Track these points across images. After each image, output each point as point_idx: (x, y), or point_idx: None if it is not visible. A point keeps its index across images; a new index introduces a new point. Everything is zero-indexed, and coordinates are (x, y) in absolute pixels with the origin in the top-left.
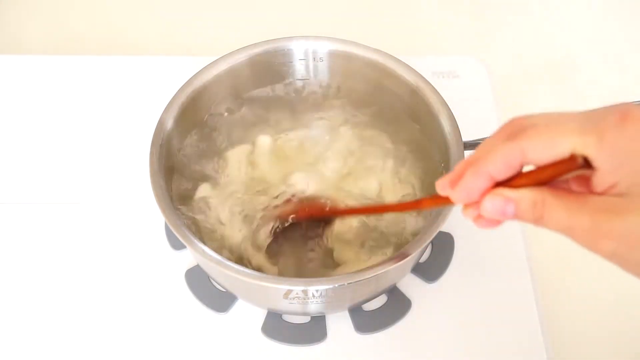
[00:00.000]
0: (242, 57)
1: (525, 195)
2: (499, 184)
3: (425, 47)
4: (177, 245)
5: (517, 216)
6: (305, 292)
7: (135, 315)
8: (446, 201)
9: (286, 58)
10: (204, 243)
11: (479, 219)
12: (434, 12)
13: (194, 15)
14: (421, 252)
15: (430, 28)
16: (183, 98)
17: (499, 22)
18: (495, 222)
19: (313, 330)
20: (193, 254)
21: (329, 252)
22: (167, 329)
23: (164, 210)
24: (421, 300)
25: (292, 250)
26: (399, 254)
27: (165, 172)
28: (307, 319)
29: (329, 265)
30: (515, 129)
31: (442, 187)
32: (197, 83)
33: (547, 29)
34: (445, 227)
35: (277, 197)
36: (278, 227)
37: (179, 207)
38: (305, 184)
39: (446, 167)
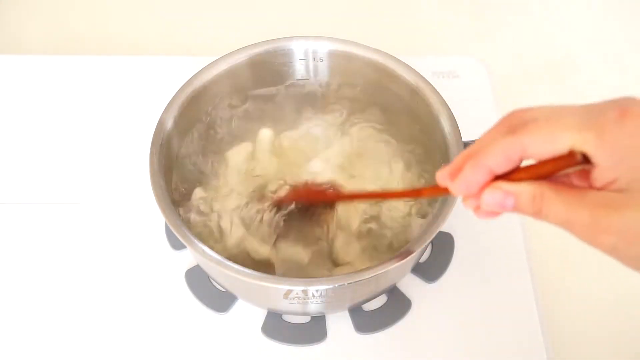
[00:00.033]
0: (242, 57)
1: (524, 189)
2: (498, 177)
3: (425, 47)
4: (177, 245)
5: (516, 209)
6: (305, 292)
7: (136, 316)
8: (446, 191)
9: (286, 58)
10: (204, 242)
11: (478, 209)
12: (434, 12)
13: (194, 15)
14: (421, 252)
15: (430, 28)
16: (183, 98)
17: (499, 22)
18: (495, 213)
19: (313, 330)
20: (193, 254)
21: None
22: (167, 329)
23: (164, 210)
24: (421, 300)
25: (297, 239)
26: (399, 254)
27: (165, 172)
28: (307, 319)
29: (331, 259)
30: (515, 123)
31: (441, 178)
32: (197, 83)
33: (547, 29)
34: (445, 227)
35: (277, 188)
36: (283, 213)
37: (179, 207)
38: (317, 170)
39: None
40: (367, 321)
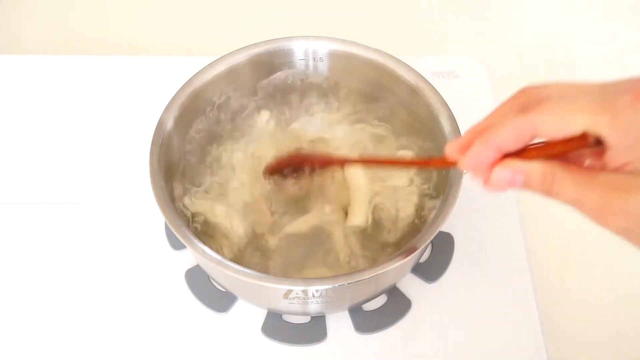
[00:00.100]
0: (242, 57)
1: (535, 168)
2: (508, 154)
3: (425, 47)
4: (177, 245)
5: (526, 187)
6: (305, 292)
7: (136, 316)
8: (454, 164)
9: (286, 58)
10: (211, 237)
11: (487, 182)
12: (434, 12)
13: (194, 15)
14: (421, 252)
15: (430, 28)
16: (183, 98)
17: (499, 22)
18: (504, 188)
19: (313, 330)
20: (193, 254)
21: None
22: (167, 329)
23: (164, 210)
24: (421, 300)
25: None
26: (399, 254)
27: (165, 172)
28: (307, 319)
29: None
30: (527, 100)
31: (451, 151)
32: (197, 83)
33: (547, 29)
34: (445, 227)
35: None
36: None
37: (183, 204)
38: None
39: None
40: (367, 321)
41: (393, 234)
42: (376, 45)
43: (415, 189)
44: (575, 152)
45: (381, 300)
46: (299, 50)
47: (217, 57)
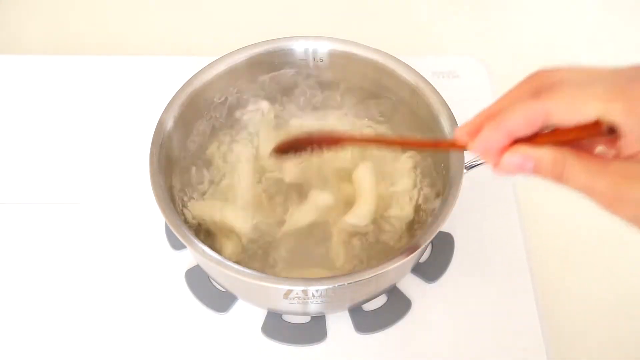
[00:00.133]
0: (242, 57)
1: (546, 154)
2: (519, 139)
3: (425, 47)
4: (177, 245)
5: (536, 173)
6: (305, 292)
7: (136, 316)
8: (463, 148)
9: (286, 58)
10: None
11: (497, 166)
12: (434, 12)
13: (194, 15)
14: (421, 252)
15: (430, 28)
16: (183, 98)
17: (499, 22)
18: (513, 173)
19: (313, 330)
20: (193, 254)
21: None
22: (167, 329)
23: (164, 210)
24: (421, 300)
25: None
26: (399, 254)
27: (166, 172)
28: (307, 319)
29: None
30: (540, 85)
31: (460, 135)
32: (197, 83)
33: (547, 29)
34: (445, 227)
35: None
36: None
37: (184, 205)
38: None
39: (446, 167)
40: (367, 321)
41: (392, 235)
42: (376, 45)
43: (415, 193)
44: (587, 139)
45: (381, 300)
46: (299, 50)
47: (217, 57)
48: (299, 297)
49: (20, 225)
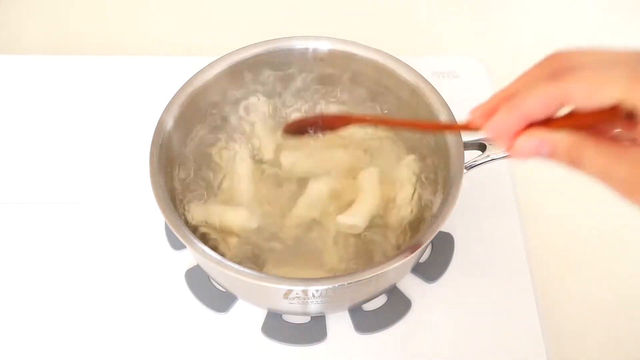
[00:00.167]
0: (242, 57)
1: (562, 138)
2: (534, 123)
3: (425, 47)
4: (177, 245)
5: (551, 157)
6: (305, 292)
7: (136, 316)
8: (477, 130)
9: (286, 58)
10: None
11: (510, 149)
12: (434, 12)
13: (194, 15)
14: (421, 252)
15: (430, 28)
16: (183, 98)
17: (499, 22)
18: (527, 157)
19: (313, 330)
20: (193, 254)
21: None
22: (167, 329)
23: (164, 210)
24: (421, 300)
25: None
26: (399, 254)
27: (166, 172)
28: (307, 319)
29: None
30: (559, 67)
31: (474, 117)
32: (197, 83)
33: (547, 29)
34: (445, 227)
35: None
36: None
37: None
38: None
39: (446, 167)
40: (367, 321)
41: (389, 237)
42: (376, 45)
43: (416, 195)
44: (604, 123)
45: (381, 300)
46: (299, 50)
47: (217, 57)
48: (299, 297)
49: (20, 225)
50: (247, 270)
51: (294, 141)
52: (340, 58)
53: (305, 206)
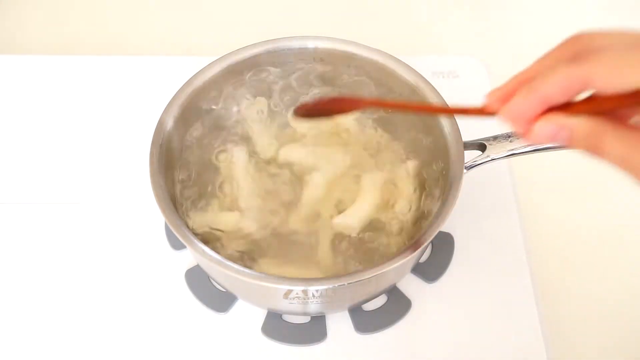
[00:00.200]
0: (242, 57)
1: (581, 124)
2: (552, 107)
3: (425, 47)
4: (177, 245)
5: (569, 143)
6: (305, 292)
7: (136, 316)
8: (494, 114)
9: (286, 58)
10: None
11: (527, 134)
12: (434, 12)
13: (194, 15)
14: (421, 252)
15: (430, 28)
16: (183, 98)
17: (499, 22)
18: (544, 142)
19: (313, 330)
20: (193, 254)
21: None
22: (167, 329)
23: (163, 210)
24: (421, 300)
25: None
26: (399, 254)
27: (166, 172)
28: (307, 319)
29: None
30: (580, 49)
31: (490, 101)
32: (197, 83)
33: (547, 29)
34: (445, 227)
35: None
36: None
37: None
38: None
39: (446, 167)
40: (367, 321)
41: (386, 241)
42: (376, 45)
43: (415, 198)
44: (624, 108)
45: (381, 300)
46: (299, 50)
47: (217, 57)
48: (299, 297)
49: (20, 225)
50: (247, 270)
51: (292, 139)
52: (340, 58)
53: (303, 206)
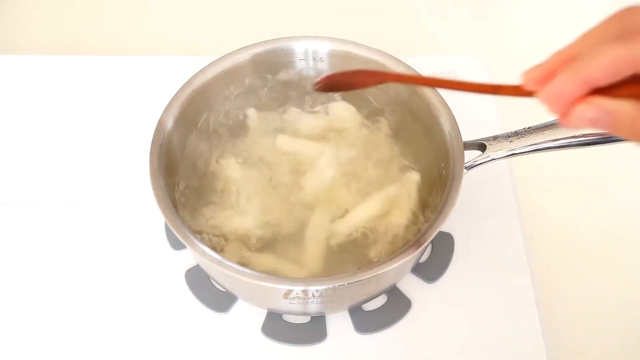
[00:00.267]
0: (242, 57)
1: (627, 109)
2: (595, 90)
3: (425, 47)
4: (177, 245)
5: (613, 129)
6: (305, 292)
7: (136, 316)
8: (529, 94)
9: (286, 58)
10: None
11: (565, 117)
12: (434, 12)
13: (194, 15)
14: (421, 252)
15: (430, 28)
16: (183, 98)
17: (499, 22)
18: (583, 127)
19: (313, 330)
20: (193, 254)
21: None
22: (167, 329)
23: (164, 210)
24: (421, 300)
25: None
26: (399, 254)
27: (166, 172)
28: (307, 319)
29: None
30: (628, 27)
31: (528, 80)
32: (197, 83)
33: (547, 29)
34: (445, 227)
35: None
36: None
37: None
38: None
39: (446, 167)
40: (367, 321)
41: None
42: (376, 45)
43: (415, 203)
44: None
45: (381, 300)
46: (299, 50)
47: (217, 57)
48: (299, 297)
49: (20, 225)
50: (247, 270)
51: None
52: (341, 58)
53: (302, 206)
